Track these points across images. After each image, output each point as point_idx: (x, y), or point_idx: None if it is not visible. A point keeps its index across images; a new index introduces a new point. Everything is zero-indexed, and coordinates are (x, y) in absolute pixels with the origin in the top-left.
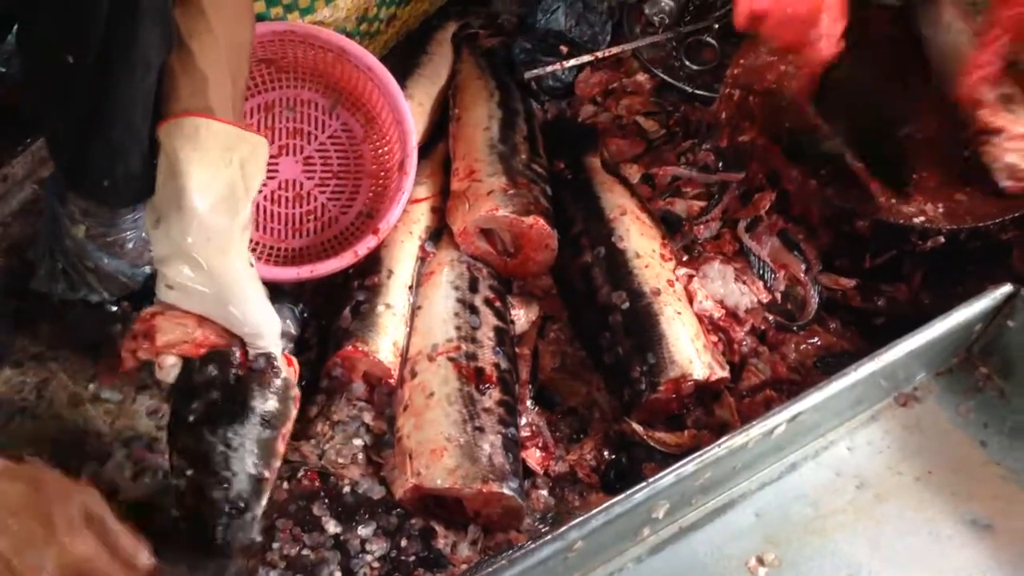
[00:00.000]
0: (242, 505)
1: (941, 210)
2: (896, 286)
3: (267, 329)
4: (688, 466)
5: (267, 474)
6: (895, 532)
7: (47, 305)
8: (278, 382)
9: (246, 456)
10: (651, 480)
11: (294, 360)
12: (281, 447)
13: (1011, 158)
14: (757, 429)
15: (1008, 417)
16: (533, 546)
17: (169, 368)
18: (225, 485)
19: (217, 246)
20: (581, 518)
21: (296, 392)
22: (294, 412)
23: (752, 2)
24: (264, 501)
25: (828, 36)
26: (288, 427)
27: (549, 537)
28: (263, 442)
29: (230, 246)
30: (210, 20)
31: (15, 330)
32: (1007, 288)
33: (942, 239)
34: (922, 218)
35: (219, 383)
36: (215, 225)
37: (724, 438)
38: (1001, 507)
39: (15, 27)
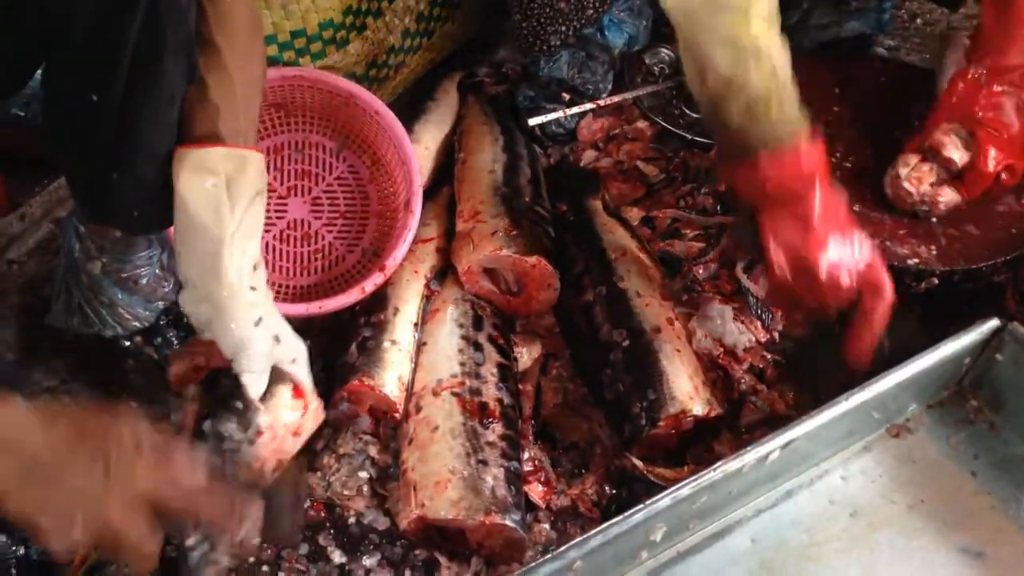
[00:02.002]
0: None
1: (934, 252)
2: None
3: (242, 351)
4: (684, 489)
5: None
6: (888, 560)
7: (62, 339)
8: (237, 404)
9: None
10: (648, 502)
11: (305, 393)
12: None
13: (903, 171)
14: (751, 455)
15: (998, 448)
16: (533, 565)
17: (193, 399)
18: None
19: (205, 267)
20: (580, 538)
21: (265, 420)
22: (257, 438)
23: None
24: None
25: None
26: (252, 450)
27: (549, 556)
28: (219, 467)
29: (218, 266)
30: (223, 55)
31: (30, 364)
32: (994, 322)
33: (936, 280)
34: (916, 260)
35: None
36: (202, 247)
37: (719, 462)
38: (992, 536)
39: (37, 72)
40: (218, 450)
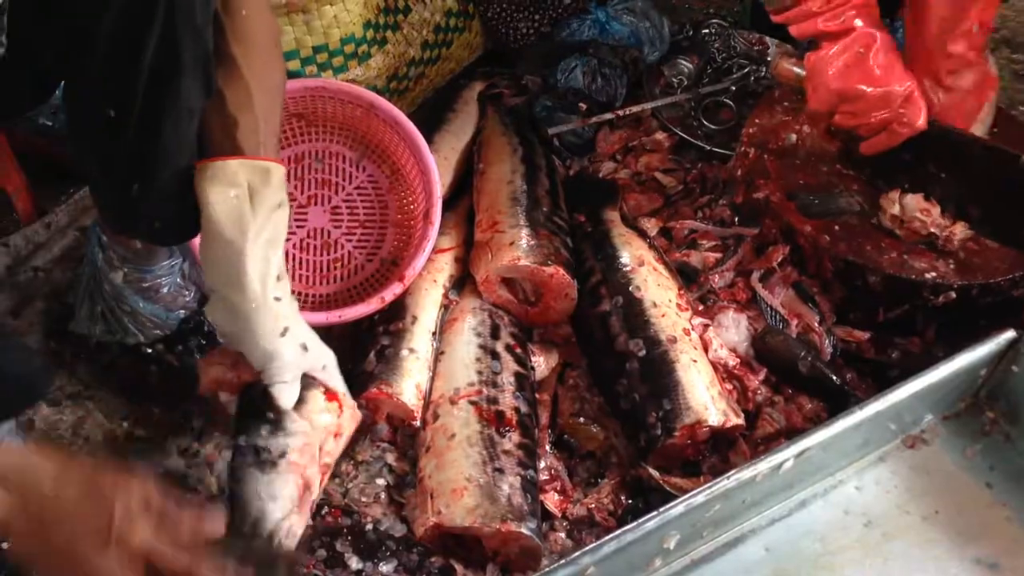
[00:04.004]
0: (248, 531)
1: (953, 266)
2: (910, 339)
3: (270, 362)
4: (698, 497)
5: (270, 506)
6: (902, 570)
7: (85, 346)
8: (270, 415)
9: (243, 489)
10: (662, 509)
11: (339, 395)
12: (285, 480)
13: (895, 209)
14: (765, 463)
15: (1014, 460)
16: (547, 570)
17: (226, 404)
18: (234, 514)
19: (229, 278)
20: (593, 545)
21: (301, 427)
22: (296, 444)
23: (836, 81)
24: (277, 529)
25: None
26: (293, 458)
27: (563, 562)
28: (256, 475)
29: (241, 277)
30: (240, 67)
31: (54, 370)
32: (1010, 334)
33: (954, 294)
34: (934, 274)
35: (236, 419)
36: (225, 257)
37: (733, 471)
38: (1006, 547)
39: (61, 83)
40: (256, 463)
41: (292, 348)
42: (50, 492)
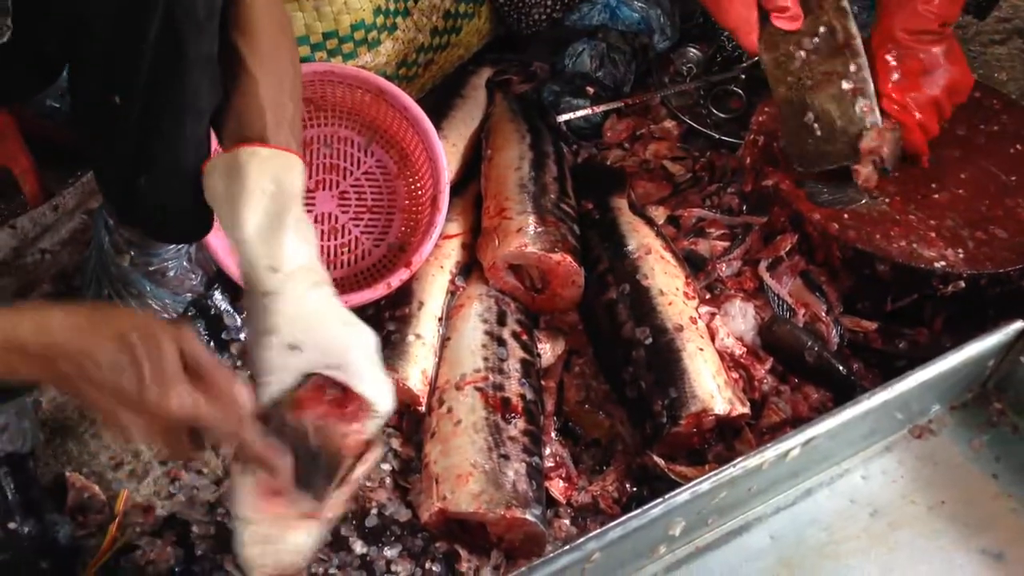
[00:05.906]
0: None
1: (962, 255)
2: (918, 330)
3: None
4: (703, 484)
5: None
6: (908, 560)
7: None
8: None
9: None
10: (667, 496)
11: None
12: None
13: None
14: (772, 451)
15: (1020, 452)
16: (552, 555)
17: None
18: None
19: (263, 270)
20: (599, 530)
21: None
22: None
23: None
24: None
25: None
26: None
27: (568, 548)
28: None
29: (261, 271)
30: (244, 57)
31: None
32: (1018, 324)
33: (963, 284)
34: (943, 263)
35: None
36: (259, 251)
37: (739, 459)
38: (1012, 538)
39: (67, 66)
40: None
41: (275, 350)
42: (75, 352)
